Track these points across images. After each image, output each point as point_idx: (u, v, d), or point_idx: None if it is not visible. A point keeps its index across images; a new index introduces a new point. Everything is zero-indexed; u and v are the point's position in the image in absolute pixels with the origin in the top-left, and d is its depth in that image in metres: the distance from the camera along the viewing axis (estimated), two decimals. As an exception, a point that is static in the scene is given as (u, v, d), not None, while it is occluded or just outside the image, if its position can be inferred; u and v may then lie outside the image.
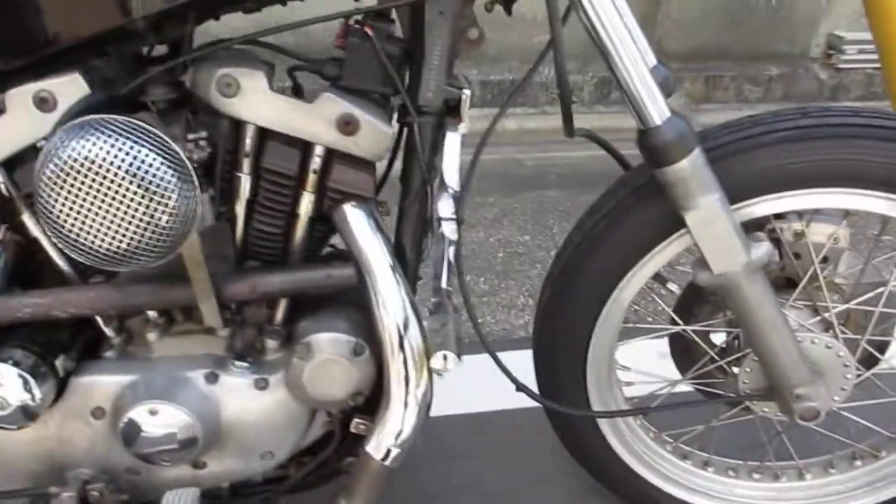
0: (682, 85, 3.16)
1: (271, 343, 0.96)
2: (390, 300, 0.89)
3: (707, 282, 0.97)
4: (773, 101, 3.26)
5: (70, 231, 0.75)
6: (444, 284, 0.87)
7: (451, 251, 0.89)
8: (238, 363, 0.94)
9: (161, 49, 0.94)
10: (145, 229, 0.75)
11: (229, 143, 0.89)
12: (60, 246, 0.76)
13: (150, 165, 0.73)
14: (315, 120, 0.87)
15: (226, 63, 0.85)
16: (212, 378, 0.93)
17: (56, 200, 0.74)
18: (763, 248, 0.95)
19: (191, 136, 0.87)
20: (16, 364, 0.87)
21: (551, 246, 2.10)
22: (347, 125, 0.87)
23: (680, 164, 0.88)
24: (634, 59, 0.86)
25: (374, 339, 0.91)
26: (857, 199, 0.97)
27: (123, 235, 0.74)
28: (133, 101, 0.86)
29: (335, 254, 1.01)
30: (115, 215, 0.74)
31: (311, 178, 0.90)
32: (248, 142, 0.88)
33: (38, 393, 0.88)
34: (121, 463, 0.97)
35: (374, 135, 0.88)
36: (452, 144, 0.92)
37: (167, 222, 0.75)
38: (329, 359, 0.91)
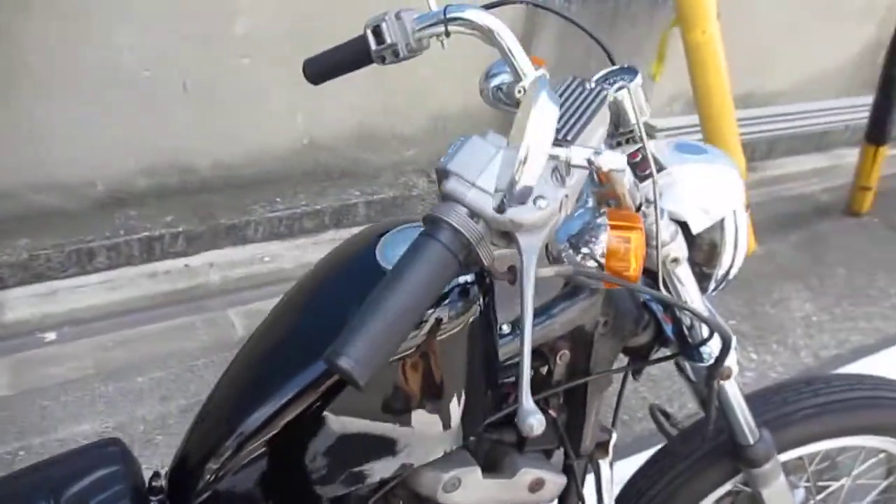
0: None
1: None
2: None
3: None
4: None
5: None
6: None
7: None
8: None
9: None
10: None
11: None
12: None
13: None
14: (515, 491, 1.02)
15: (450, 466, 0.97)
16: None
17: None
18: (800, 494, 1.28)
19: None
20: None
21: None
22: (536, 485, 1.04)
23: (764, 467, 1.17)
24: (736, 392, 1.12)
25: None
26: (875, 441, 1.33)
27: None
28: None
29: None
30: None
31: None
32: None
33: None
34: None
35: (554, 487, 1.05)
36: (605, 473, 1.12)
37: None
38: None
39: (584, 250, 0.83)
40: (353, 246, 0.95)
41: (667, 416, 1.35)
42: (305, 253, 2.96)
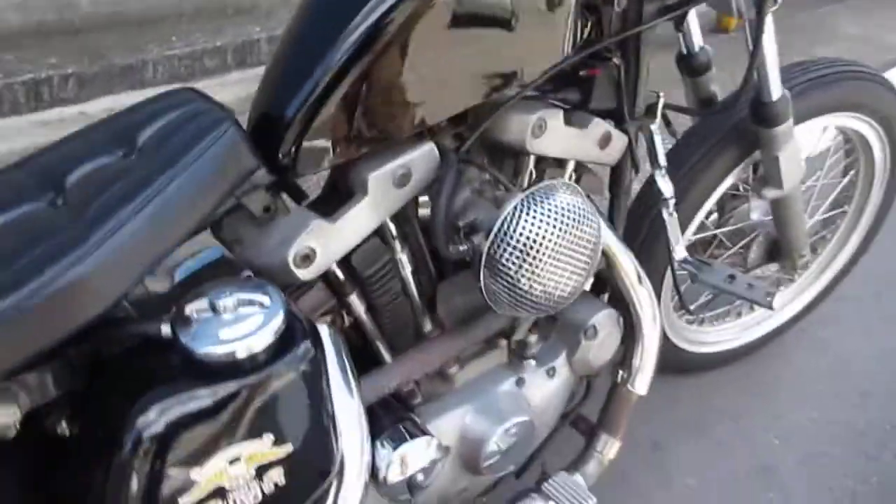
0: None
1: (533, 338, 1.09)
2: (630, 271, 1.09)
3: (775, 196, 1.35)
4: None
5: (529, 291, 0.82)
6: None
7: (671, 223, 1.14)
8: (530, 363, 1.07)
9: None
10: (585, 267, 0.86)
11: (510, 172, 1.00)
12: (514, 304, 0.83)
13: (584, 212, 0.84)
14: (589, 142, 1.02)
15: (535, 108, 0.94)
16: (521, 382, 1.06)
17: (521, 267, 0.80)
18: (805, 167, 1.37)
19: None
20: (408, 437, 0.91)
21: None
22: (605, 141, 1.04)
23: (782, 126, 1.23)
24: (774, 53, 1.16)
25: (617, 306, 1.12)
26: (851, 120, 1.44)
27: (576, 278, 0.85)
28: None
29: None
30: (571, 265, 0.84)
31: None
32: (532, 169, 1.00)
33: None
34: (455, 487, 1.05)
35: (618, 144, 1.06)
36: (656, 136, 1.14)
37: (594, 254, 0.87)
38: (609, 332, 1.10)
39: None
40: None
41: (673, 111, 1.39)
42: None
